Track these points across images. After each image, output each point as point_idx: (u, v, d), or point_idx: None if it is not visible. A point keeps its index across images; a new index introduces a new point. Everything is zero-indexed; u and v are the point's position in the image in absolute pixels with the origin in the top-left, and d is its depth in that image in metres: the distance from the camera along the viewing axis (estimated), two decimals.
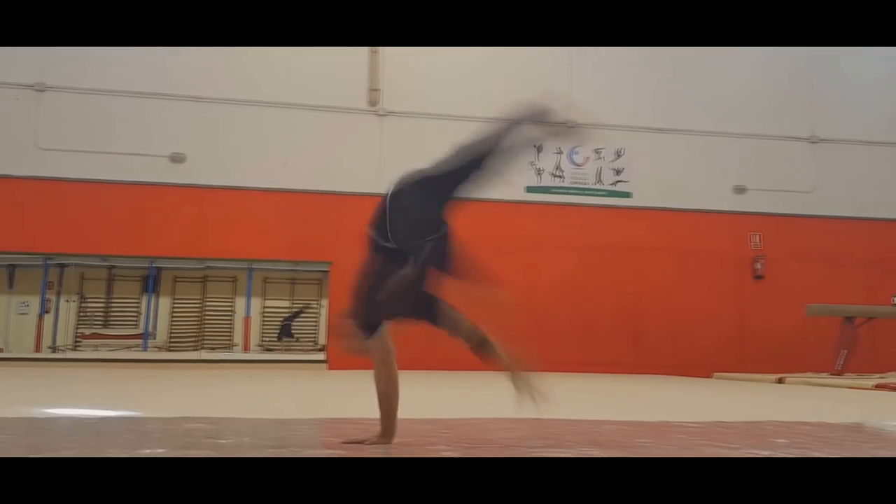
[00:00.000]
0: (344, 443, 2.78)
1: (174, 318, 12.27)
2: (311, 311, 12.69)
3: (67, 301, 12.10)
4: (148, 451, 2.51)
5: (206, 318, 12.29)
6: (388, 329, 2.76)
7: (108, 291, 12.35)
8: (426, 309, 2.75)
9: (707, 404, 5.72)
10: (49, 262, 11.84)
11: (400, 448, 2.65)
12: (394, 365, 2.77)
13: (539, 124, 2.84)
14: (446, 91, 12.30)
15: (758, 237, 12.94)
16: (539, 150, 12.41)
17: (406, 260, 2.65)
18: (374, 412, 3.71)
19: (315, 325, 12.60)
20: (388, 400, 2.78)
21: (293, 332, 12.52)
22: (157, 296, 12.24)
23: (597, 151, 12.45)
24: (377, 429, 2.82)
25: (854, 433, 3.59)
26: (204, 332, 12.22)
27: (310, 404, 5.10)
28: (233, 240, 11.72)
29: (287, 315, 12.62)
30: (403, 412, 3.25)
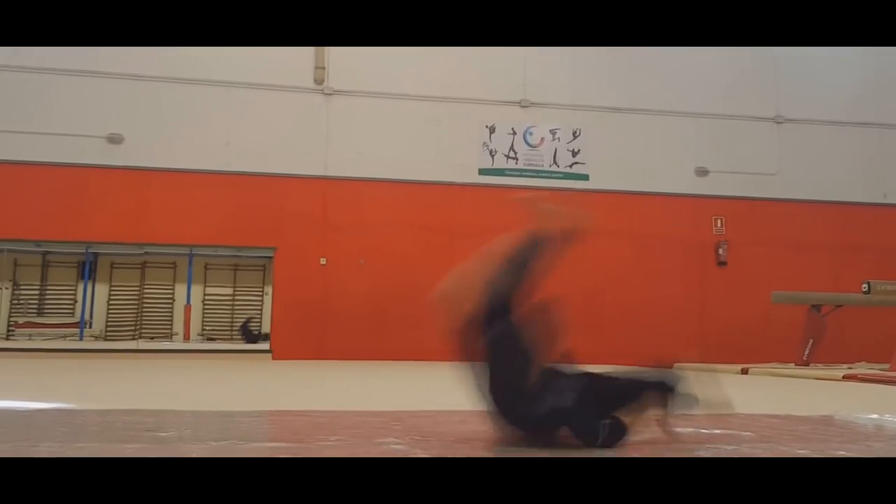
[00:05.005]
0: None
1: (111, 306, 11.81)
2: (255, 300, 12.19)
3: (0, 288, 11.61)
4: (83, 444, 2.45)
5: (145, 305, 11.84)
6: None
7: (43, 278, 11.89)
8: None
9: None
10: None
11: (349, 442, 2.61)
12: None
13: None
14: (395, 68, 11.78)
15: (720, 221, 12.42)
16: (492, 130, 11.95)
17: None
18: (318, 403, 3.90)
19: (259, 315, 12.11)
20: None
21: (253, 330, 11.98)
22: (94, 283, 11.78)
23: (552, 132, 11.95)
24: (323, 420, 3.03)
25: (823, 426, 3.50)
26: (142, 320, 11.76)
27: (254, 396, 4.93)
28: (173, 224, 11.23)
29: (243, 321, 12.09)
30: (353, 405, 3.42)
